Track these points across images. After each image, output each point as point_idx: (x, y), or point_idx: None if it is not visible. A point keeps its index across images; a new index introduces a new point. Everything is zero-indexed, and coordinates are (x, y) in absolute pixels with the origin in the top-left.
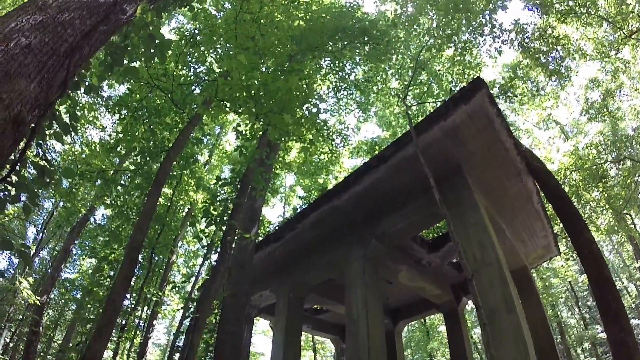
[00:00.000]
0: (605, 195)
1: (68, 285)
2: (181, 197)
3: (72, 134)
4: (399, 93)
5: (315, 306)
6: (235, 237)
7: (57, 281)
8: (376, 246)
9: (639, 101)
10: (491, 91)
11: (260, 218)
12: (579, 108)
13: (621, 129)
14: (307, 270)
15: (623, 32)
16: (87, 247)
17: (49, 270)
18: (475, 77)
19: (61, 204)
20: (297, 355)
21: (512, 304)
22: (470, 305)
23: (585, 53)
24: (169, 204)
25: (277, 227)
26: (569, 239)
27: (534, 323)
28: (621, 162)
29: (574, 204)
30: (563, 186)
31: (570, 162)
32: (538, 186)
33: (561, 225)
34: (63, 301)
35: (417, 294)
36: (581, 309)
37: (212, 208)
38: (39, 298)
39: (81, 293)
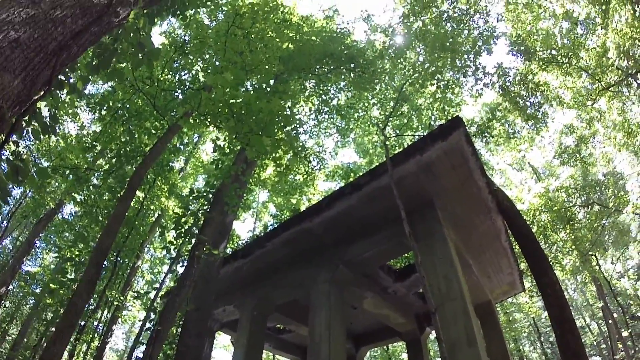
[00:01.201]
0: (572, 236)
1: (28, 278)
2: (152, 202)
3: (51, 133)
4: (379, 122)
5: (278, 325)
6: (204, 252)
7: (18, 273)
8: (343, 271)
9: (611, 149)
10: (469, 130)
11: (230, 233)
12: (553, 152)
13: (592, 174)
14: (273, 289)
15: (601, 84)
16: (51, 242)
17: (10, 261)
18: (454, 115)
19: (30, 194)
20: None
21: (474, 337)
22: (433, 335)
23: (562, 101)
24: (139, 208)
25: (246, 243)
26: (533, 277)
27: (495, 356)
28: (589, 207)
29: (541, 244)
30: (532, 226)
31: (540, 204)
32: (506, 225)
33: (527, 263)
34: (22, 294)
35: (381, 321)
36: (543, 344)
37: (183, 220)
38: None
39: (41, 288)
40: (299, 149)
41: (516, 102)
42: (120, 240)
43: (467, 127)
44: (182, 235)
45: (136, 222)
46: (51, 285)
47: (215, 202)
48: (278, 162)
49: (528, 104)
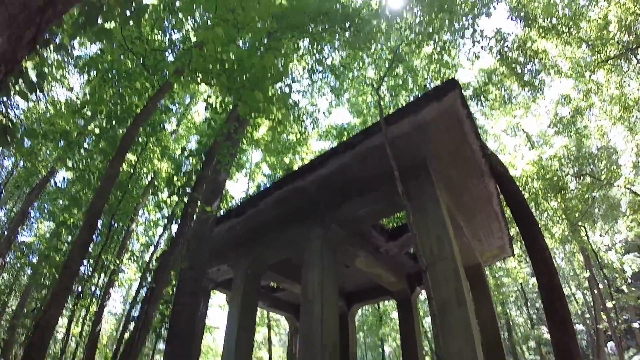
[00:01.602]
0: (563, 206)
1: (24, 248)
2: (145, 165)
3: (38, 92)
4: (374, 83)
5: (272, 284)
6: (197, 210)
7: (13, 244)
8: (336, 230)
9: (606, 122)
10: (464, 93)
11: (223, 192)
12: (548, 121)
13: (586, 147)
14: (266, 248)
15: (600, 56)
16: (45, 210)
17: (5, 232)
18: (450, 77)
19: (21, 164)
20: (251, 330)
21: (464, 298)
22: (423, 295)
23: (560, 70)
24: (132, 171)
25: (239, 203)
26: (523, 242)
27: (483, 318)
28: (581, 177)
29: (532, 210)
30: (523, 193)
31: (532, 171)
32: (499, 189)
33: (517, 229)
34: (19, 265)
35: (373, 280)
36: (529, 309)
37: (175, 179)
38: None
39: (37, 257)
40: (292, 106)
41: (513, 68)
42: (114, 203)
43: (462, 90)
44: (175, 193)
45: (129, 186)
46: (46, 252)
47: (207, 160)
48: (271, 116)
49: (525, 70)
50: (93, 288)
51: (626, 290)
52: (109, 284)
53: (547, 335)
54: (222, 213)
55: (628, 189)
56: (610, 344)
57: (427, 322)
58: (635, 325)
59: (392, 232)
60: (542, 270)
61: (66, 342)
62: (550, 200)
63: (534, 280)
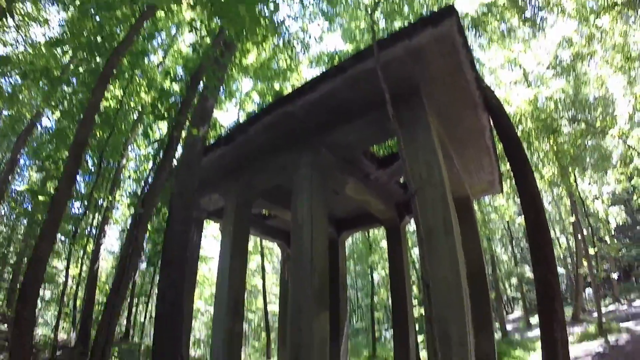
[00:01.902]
0: (555, 148)
1: (18, 197)
2: (132, 98)
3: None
4: (368, 7)
5: (263, 212)
6: (182, 135)
7: (6, 194)
8: (325, 155)
9: (606, 71)
10: (462, 22)
11: (213, 121)
12: (547, 62)
13: (583, 94)
14: (256, 175)
15: (607, 1)
16: (35, 154)
17: None
18: (448, 4)
19: (5, 112)
20: (244, 258)
21: (451, 226)
22: (413, 227)
23: (564, 10)
24: (118, 106)
25: (228, 130)
26: (513, 180)
27: (469, 250)
28: (576, 122)
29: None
30: (516, 130)
31: (527, 110)
32: (492, 123)
33: (508, 166)
34: (14, 216)
35: (363, 207)
36: (514, 248)
37: (160, 103)
38: None
39: (32, 205)
40: (279, 25)
41: (515, 1)
42: (102, 139)
43: (460, 18)
44: (160, 118)
45: (117, 121)
46: (38, 195)
47: (193, 84)
48: (258, 40)
49: (528, 4)
50: (88, 228)
51: (608, 242)
52: (104, 221)
53: (529, 274)
54: (211, 142)
55: (621, 139)
56: (588, 290)
57: (415, 252)
58: (614, 276)
59: (383, 160)
60: (529, 206)
61: (66, 284)
62: (543, 141)
63: (520, 220)
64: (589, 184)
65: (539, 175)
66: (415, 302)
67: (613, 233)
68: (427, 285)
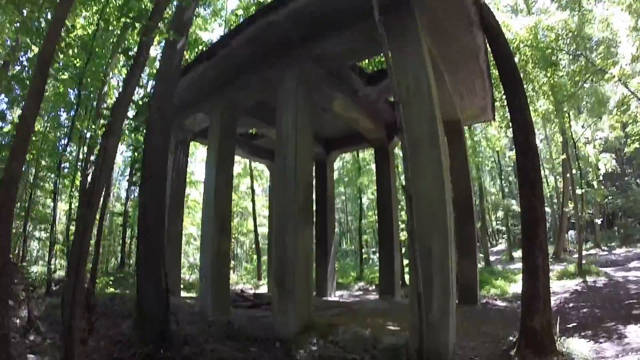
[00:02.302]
0: (552, 81)
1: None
2: (110, 23)
3: None
4: None
5: (250, 131)
6: (156, 40)
7: None
8: (312, 68)
9: (614, 9)
10: None
11: (189, 29)
12: None
13: (585, 33)
14: (240, 90)
15: None
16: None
17: None
18: None
19: None
20: (229, 175)
21: (437, 139)
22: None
23: None
24: (95, 30)
25: (210, 45)
26: (506, 112)
27: (457, 175)
28: (576, 57)
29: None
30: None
31: (526, 37)
32: (487, 43)
33: (502, 95)
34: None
35: (351, 127)
36: (502, 181)
37: (129, 10)
38: None
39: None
40: None
41: None
42: (81, 67)
43: None
44: (130, 27)
45: (94, 46)
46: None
47: None
48: None
49: None
50: (78, 163)
51: (596, 187)
52: (89, 151)
53: (516, 208)
54: (193, 59)
55: (621, 81)
56: (571, 232)
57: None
58: (597, 222)
59: (372, 76)
60: (520, 128)
61: (54, 219)
62: (540, 72)
63: (511, 154)
64: (583, 127)
65: (533, 108)
66: (402, 226)
67: (601, 179)
68: (409, 197)
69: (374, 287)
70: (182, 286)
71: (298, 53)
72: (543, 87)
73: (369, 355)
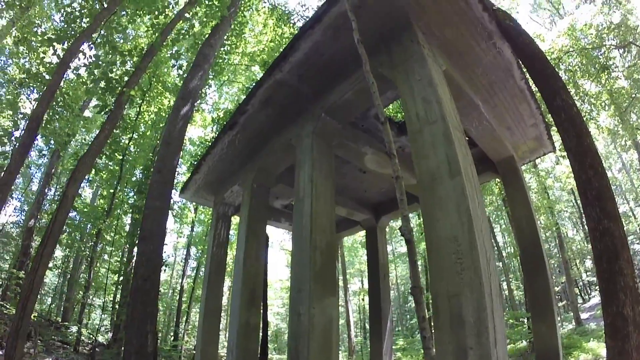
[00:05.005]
0: (608, 87)
1: None
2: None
3: None
4: None
5: (293, 202)
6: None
7: None
8: (326, 120)
9: None
10: None
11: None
12: None
13: (632, 24)
14: (266, 157)
15: None
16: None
17: None
18: None
19: None
20: (260, 245)
21: (457, 166)
22: None
23: None
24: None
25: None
26: (544, 103)
27: (518, 218)
28: (626, 49)
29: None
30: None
31: (565, 44)
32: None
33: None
34: None
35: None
36: (585, 227)
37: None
38: None
39: None
40: None
41: None
42: None
43: None
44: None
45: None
46: None
47: (146, 57)
48: None
49: None
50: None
51: None
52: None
53: None
54: (219, 130)
55: None
56: None
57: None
58: None
59: (403, 125)
60: (569, 130)
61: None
62: (592, 79)
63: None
64: None
65: (595, 126)
66: None
67: None
68: (407, 242)
69: None
70: None
71: (312, 107)
72: (599, 96)
73: None
